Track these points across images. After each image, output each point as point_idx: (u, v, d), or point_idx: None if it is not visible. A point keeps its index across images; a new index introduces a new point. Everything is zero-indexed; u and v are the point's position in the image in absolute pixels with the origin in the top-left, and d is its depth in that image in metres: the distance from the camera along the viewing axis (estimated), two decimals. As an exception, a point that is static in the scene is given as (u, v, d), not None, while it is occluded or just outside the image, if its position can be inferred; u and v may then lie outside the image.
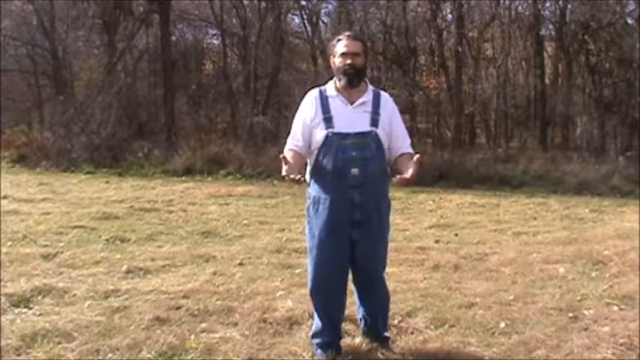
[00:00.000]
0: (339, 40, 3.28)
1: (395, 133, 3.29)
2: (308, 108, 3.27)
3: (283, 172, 3.01)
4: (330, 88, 3.29)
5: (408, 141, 3.38)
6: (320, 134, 3.18)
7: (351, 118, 3.19)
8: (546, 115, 16.34)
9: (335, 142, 3.16)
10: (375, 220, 3.24)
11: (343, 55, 3.21)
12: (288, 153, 3.20)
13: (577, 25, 15.45)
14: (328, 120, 3.19)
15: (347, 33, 3.36)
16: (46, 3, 16.49)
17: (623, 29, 14.89)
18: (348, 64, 3.18)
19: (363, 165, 3.14)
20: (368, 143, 3.17)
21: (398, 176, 3.11)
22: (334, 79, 3.29)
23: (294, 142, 3.27)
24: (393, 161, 3.29)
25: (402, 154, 3.29)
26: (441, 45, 15.64)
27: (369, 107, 3.23)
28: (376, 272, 3.36)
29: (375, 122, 3.20)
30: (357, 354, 3.32)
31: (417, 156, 3.06)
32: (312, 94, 3.30)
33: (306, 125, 3.24)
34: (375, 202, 3.21)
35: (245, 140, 14.13)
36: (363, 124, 3.19)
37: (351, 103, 3.22)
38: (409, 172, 3.05)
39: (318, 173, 3.22)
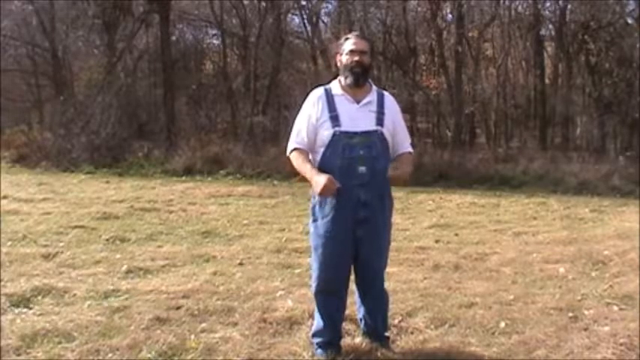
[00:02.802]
0: (347, 38, 3.32)
1: (397, 132, 3.33)
2: (313, 107, 3.27)
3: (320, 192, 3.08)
4: (336, 87, 3.30)
5: (409, 140, 3.42)
6: (326, 132, 3.19)
7: (357, 117, 3.21)
8: (546, 115, 16.36)
9: (342, 140, 3.17)
10: (380, 217, 3.25)
11: (351, 52, 3.23)
12: (295, 155, 3.25)
13: (577, 25, 15.46)
14: (335, 118, 3.19)
15: (355, 32, 3.42)
16: (46, 3, 16.53)
17: (623, 29, 14.89)
18: (356, 61, 3.21)
19: (370, 163, 3.16)
20: (374, 142, 3.19)
21: (393, 164, 3.17)
22: (339, 78, 3.31)
23: (298, 139, 3.28)
24: (393, 160, 3.31)
25: (402, 154, 3.34)
26: (441, 45, 15.65)
27: (374, 107, 3.25)
28: (378, 271, 3.37)
29: (380, 121, 3.23)
30: (357, 354, 3.32)
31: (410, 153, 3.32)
32: (317, 93, 3.31)
33: (311, 124, 3.24)
34: (380, 200, 3.23)
35: (245, 140, 14.14)
36: (369, 123, 3.21)
37: (357, 102, 3.24)
38: (398, 170, 3.14)
39: (323, 171, 3.20)
